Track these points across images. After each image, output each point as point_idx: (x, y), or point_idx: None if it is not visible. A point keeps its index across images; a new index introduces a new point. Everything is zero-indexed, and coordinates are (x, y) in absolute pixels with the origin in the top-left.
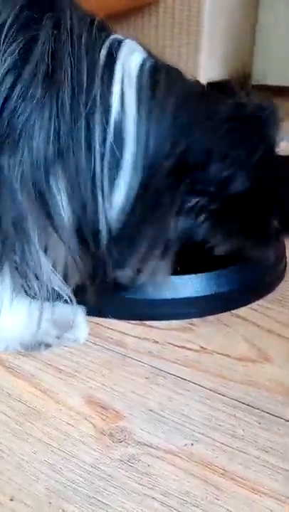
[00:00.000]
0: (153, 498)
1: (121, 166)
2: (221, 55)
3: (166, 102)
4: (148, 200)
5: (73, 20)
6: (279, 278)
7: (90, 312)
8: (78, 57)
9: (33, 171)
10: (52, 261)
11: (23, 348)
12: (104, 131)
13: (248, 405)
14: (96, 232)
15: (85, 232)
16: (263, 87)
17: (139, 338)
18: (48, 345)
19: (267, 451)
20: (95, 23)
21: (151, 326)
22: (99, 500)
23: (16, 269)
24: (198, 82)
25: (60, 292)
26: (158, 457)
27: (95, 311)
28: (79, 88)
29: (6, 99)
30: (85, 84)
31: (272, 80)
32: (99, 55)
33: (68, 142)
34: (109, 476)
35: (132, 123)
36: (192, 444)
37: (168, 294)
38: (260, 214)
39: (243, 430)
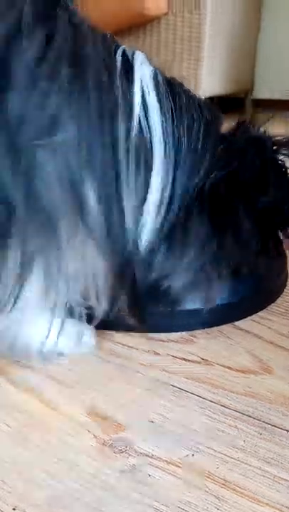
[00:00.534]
0: (154, 508)
1: (150, 164)
2: (221, 71)
3: (191, 111)
4: (196, 206)
5: (77, 21)
6: (280, 290)
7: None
8: (95, 57)
9: (66, 158)
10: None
11: (40, 357)
12: (128, 129)
13: (249, 416)
14: (124, 237)
15: (114, 237)
16: (263, 101)
17: (141, 349)
18: (60, 354)
19: (268, 462)
20: (104, 34)
21: (153, 338)
22: (100, 510)
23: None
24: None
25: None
26: (159, 468)
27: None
28: (100, 87)
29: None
30: (105, 84)
31: (273, 94)
32: (115, 58)
33: (94, 138)
34: (110, 486)
35: (158, 121)
36: (193, 455)
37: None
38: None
39: (244, 441)
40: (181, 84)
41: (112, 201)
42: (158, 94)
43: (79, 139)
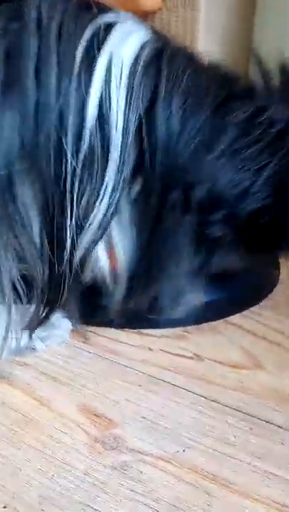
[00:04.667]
0: (145, 504)
1: (101, 183)
2: None
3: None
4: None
5: (41, 6)
6: (273, 285)
7: (86, 321)
8: (46, 51)
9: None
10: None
11: (8, 353)
12: (78, 140)
13: (240, 412)
14: (61, 249)
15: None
16: None
17: (134, 346)
18: (33, 349)
19: (258, 458)
20: (74, 3)
21: (146, 334)
22: (91, 507)
23: None
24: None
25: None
26: (150, 464)
27: (90, 320)
28: (47, 90)
29: None
30: (54, 85)
31: None
32: (77, 47)
33: (33, 147)
34: (102, 483)
35: (118, 133)
36: (184, 451)
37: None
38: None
39: (235, 436)
40: (175, 59)
41: (54, 219)
42: (128, 90)
43: None
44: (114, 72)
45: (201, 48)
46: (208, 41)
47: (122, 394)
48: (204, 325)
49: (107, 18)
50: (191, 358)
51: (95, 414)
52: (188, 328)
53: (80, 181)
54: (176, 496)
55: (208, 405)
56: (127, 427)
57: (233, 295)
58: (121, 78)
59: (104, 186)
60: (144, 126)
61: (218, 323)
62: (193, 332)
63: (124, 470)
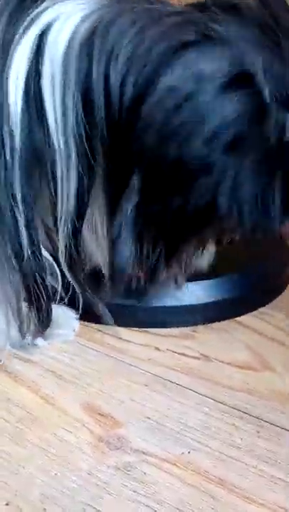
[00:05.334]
0: (147, 506)
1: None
2: None
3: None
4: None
5: None
6: (282, 285)
7: (92, 319)
8: None
9: None
10: None
11: (10, 345)
12: (11, 134)
13: (247, 414)
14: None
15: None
16: None
17: (140, 345)
18: (35, 345)
19: (265, 461)
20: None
21: (153, 333)
22: (93, 507)
23: None
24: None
25: None
26: (154, 465)
27: (96, 317)
28: None
29: None
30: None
31: None
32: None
33: None
34: (105, 483)
35: (58, 120)
36: (189, 453)
37: (169, 302)
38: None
39: (241, 439)
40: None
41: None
42: (64, 67)
43: None
44: (49, 56)
45: None
46: None
47: (127, 393)
48: (212, 324)
49: (46, 4)
50: (198, 358)
51: (100, 414)
52: (196, 327)
53: (23, 176)
54: (179, 498)
55: (215, 407)
56: (131, 427)
57: (242, 295)
58: (55, 62)
59: (59, 175)
60: (82, 109)
61: (226, 323)
62: (200, 332)
63: (128, 471)
